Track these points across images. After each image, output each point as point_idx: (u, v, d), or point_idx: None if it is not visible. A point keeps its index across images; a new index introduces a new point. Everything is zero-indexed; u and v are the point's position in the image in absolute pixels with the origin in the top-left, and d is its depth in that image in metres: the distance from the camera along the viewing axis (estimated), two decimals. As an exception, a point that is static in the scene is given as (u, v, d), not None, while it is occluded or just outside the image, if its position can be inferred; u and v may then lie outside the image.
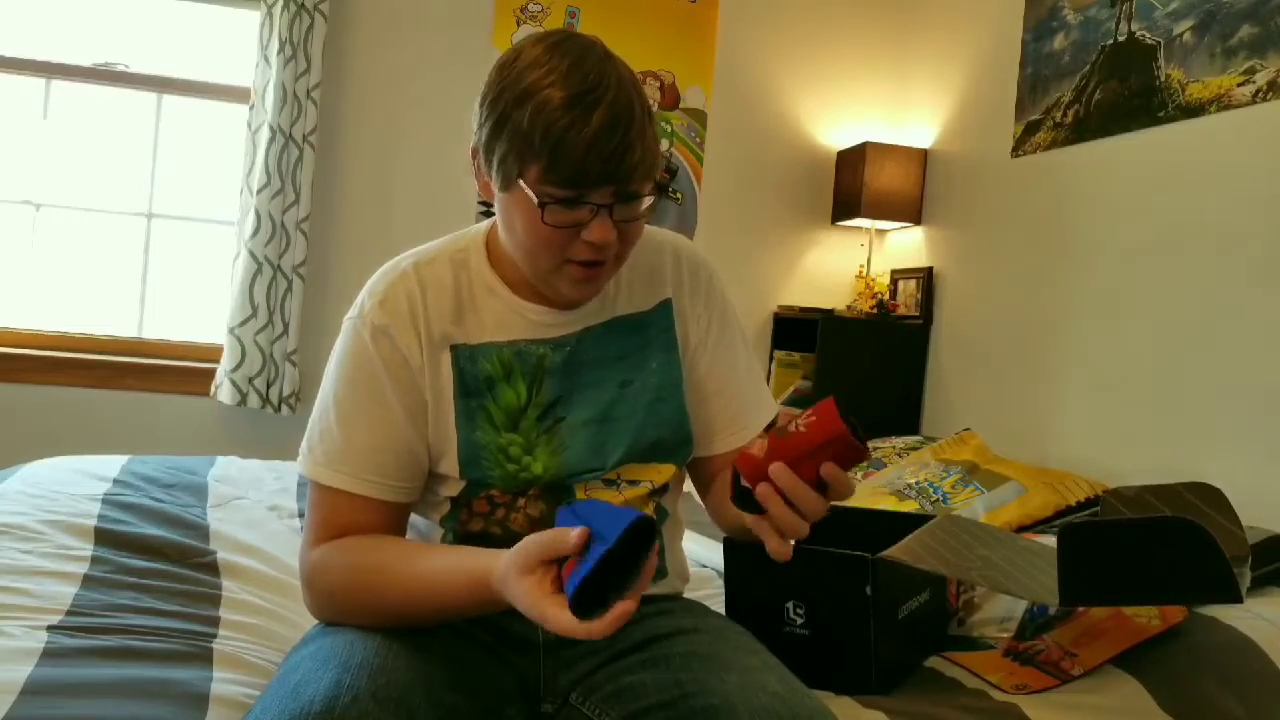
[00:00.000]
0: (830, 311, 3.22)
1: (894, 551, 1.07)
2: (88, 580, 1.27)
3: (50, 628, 1.11)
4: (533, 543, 0.85)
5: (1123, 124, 2.38)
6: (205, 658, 1.10)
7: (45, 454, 1.99)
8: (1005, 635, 1.35)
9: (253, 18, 2.96)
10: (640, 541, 0.81)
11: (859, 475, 2.29)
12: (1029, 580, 1.02)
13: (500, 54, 1.01)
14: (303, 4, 2.89)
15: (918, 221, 3.24)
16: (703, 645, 0.99)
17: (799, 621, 1.19)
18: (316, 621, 1.03)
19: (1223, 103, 2.10)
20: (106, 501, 1.61)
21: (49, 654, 1.04)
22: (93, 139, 3.06)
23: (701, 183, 3.36)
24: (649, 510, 1.13)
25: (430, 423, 1.05)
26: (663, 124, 3.30)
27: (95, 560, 1.35)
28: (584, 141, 0.91)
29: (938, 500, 2.00)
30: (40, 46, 2.98)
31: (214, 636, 1.17)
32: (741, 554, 1.21)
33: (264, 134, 2.89)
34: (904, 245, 3.35)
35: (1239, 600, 1.06)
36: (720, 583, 1.46)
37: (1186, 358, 2.15)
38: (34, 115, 3.01)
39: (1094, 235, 2.46)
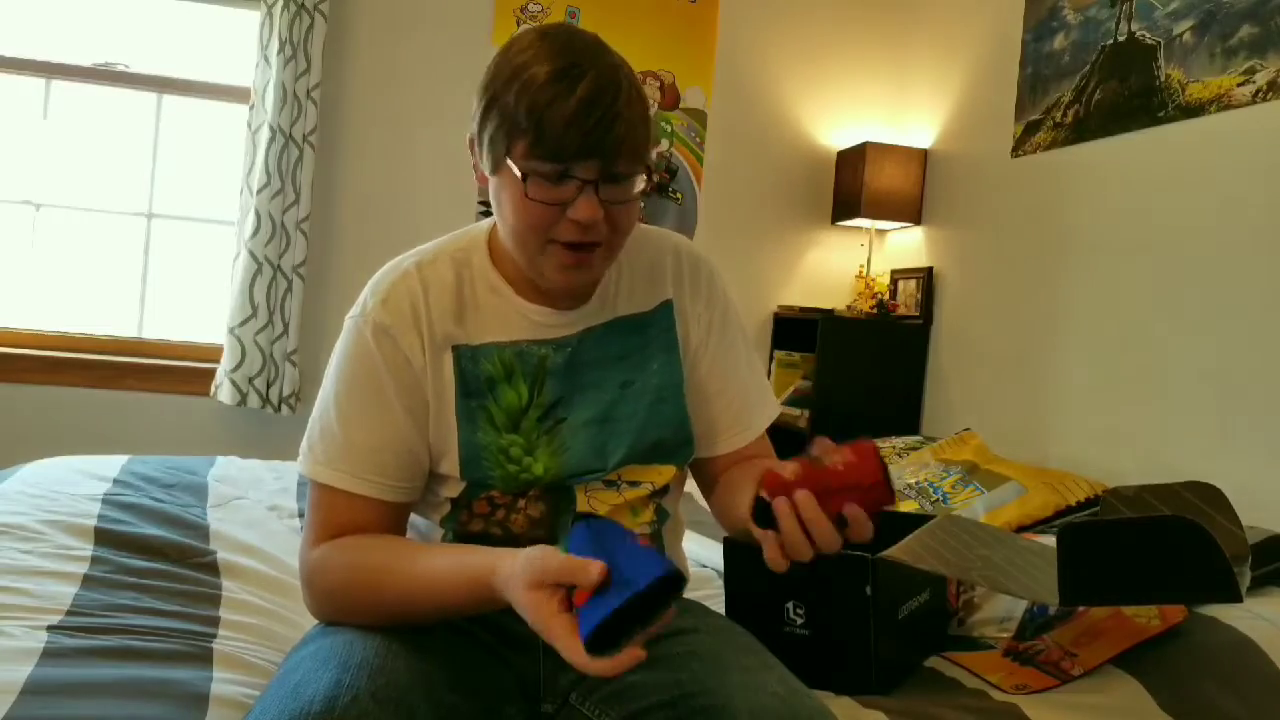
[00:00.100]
0: (830, 311, 3.22)
1: (894, 551, 1.07)
2: (88, 580, 1.27)
3: (50, 628, 1.11)
4: (550, 560, 0.83)
5: (1123, 124, 2.38)
6: (205, 658, 1.10)
7: (45, 454, 1.99)
8: (1005, 635, 1.35)
9: (253, 18, 2.96)
10: (665, 591, 0.80)
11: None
12: (1029, 580, 1.02)
13: (500, 53, 1.01)
14: (303, 4, 2.89)
15: (918, 221, 3.25)
16: (703, 645, 0.99)
17: (799, 621, 1.19)
18: (316, 621, 1.03)
19: (1223, 103, 2.10)
20: (106, 501, 1.61)
21: (49, 654, 1.04)
22: (93, 139, 3.06)
23: (701, 183, 3.36)
24: (649, 511, 1.13)
25: (431, 423, 1.05)
26: (663, 124, 3.30)
27: (95, 560, 1.35)
28: (566, 111, 0.92)
29: (938, 500, 2.00)
30: (40, 46, 2.98)
31: (214, 636, 1.17)
32: (741, 554, 1.21)
33: (264, 134, 2.89)
34: (904, 245, 3.35)
35: (1239, 600, 1.06)
36: (720, 583, 1.46)
37: (1186, 358, 2.15)
38: (34, 115, 3.01)
39: (1094, 235, 2.46)
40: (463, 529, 1.09)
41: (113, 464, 1.88)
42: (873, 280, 3.31)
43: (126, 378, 2.95)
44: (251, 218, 2.88)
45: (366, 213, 3.10)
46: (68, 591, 1.23)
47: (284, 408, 2.93)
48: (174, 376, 2.99)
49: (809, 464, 0.89)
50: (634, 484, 1.11)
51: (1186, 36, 2.21)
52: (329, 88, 3.01)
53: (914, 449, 2.43)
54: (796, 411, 3.13)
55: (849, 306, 3.35)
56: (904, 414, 3.11)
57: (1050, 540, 1.12)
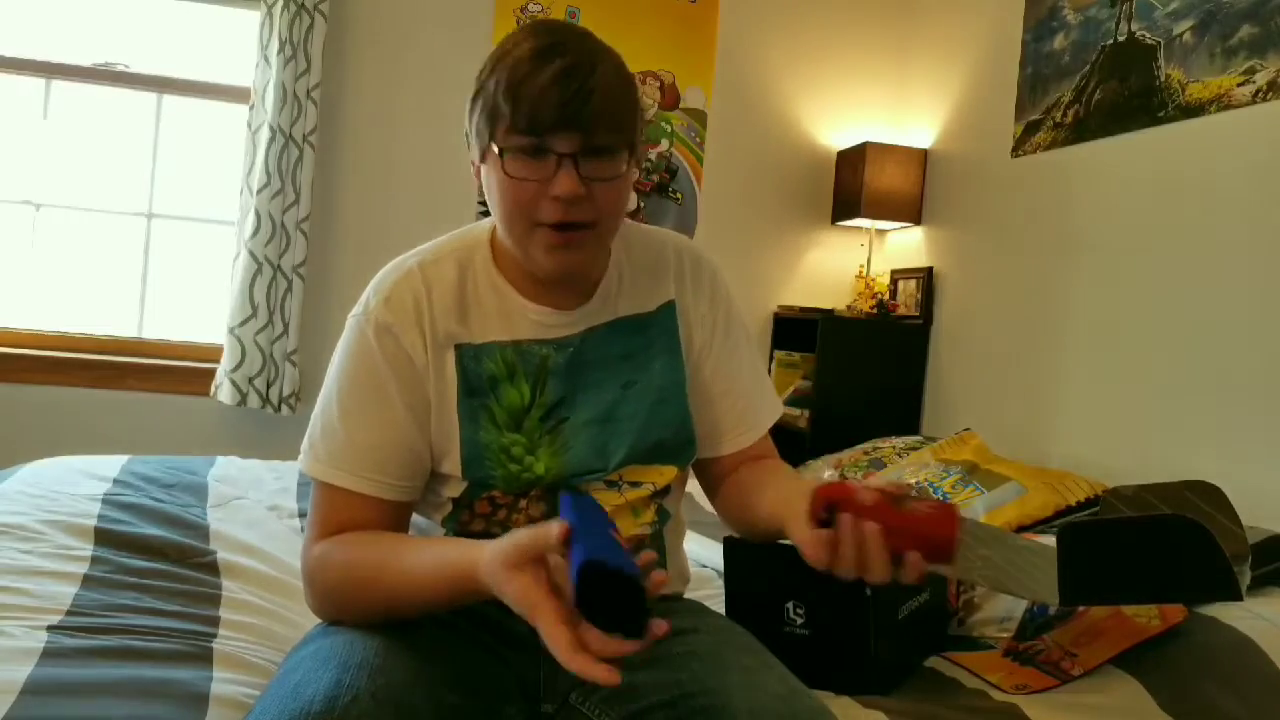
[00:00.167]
0: (830, 311, 3.22)
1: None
2: (88, 580, 1.27)
3: (50, 628, 1.11)
4: (520, 536, 0.81)
5: (1123, 124, 2.38)
6: (205, 658, 1.10)
7: (45, 454, 1.99)
8: (1005, 635, 1.35)
9: (253, 18, 2.96)
10: (596, 583, 0.75)
11: (860, 475, 2.30)
12: (1029, 580, 1.02)
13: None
14: (303, 4, 2.89)
15: (918, 221, 3.25)
16: (703, 645, 0.99)
17: (799, 621, 1.19)
18: (317, 621, 1.03)
19: (1223, 103, 2.10)
20: (106, 501, 1.61)
21: (49, 654, 1.04)
22: (93, 139, 3.06)
23: (701, 183, 3.36)
24: (650, 512, 1.13)
25: (433, 422, 1.05)
26: (663, 124, 3.30)
27: (95, 560, 1.35)
28: (542, 81, 0.92)
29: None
30: (40, 46, 2.98)
31: (214, 636, 1.17)
32: (741, 554, 1.21)
33: (264, 134, 2.89)
34: (904, 245, 3.35)
35: (1239, 599, 1.06)
36: (720, 583, 1.46)
37: (1186, 357, 2.15)
38: (34, 115, 3.01)
39: (1094, 235, 2.46)
40: (464, 529, 1.09)
41: (113, 464, 1.88)
42: (873, 280, 3.31)
43: (127, 378, 2.95)
44: (251, 218, 2.88)
45: (366, 213, 3.10)
46: (68, 591, 1.23)
47: (284, 408, 2.93)
48: (174, 376, 2.99)
49: (889, 499, 0.91)
50: (635, 484, 1.11)
51: (1186, 36, 2.21)
52: (329, 88, 3.01)
53: (914, 449, 2.43)
54: (796, 411, 3.13)
55: (849, 306, 3.35)
56: (904, 414, 3.11)
57: (1050, 540, 1.12)
